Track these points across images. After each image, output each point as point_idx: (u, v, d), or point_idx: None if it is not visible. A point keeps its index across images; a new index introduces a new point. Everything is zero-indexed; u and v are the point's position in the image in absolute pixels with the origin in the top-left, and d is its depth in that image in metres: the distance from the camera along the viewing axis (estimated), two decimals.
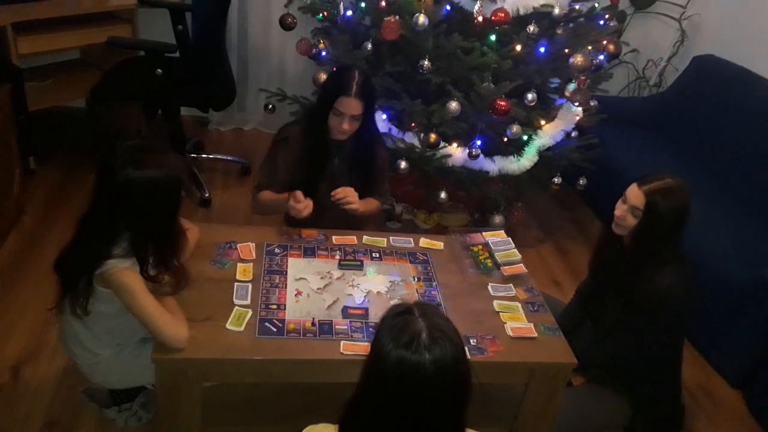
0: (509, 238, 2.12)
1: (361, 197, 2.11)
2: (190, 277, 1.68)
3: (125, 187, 1.47)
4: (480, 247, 2.08)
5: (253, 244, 1.92)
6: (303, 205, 1.96)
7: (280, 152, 2.16)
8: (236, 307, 1.67)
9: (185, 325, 1.56)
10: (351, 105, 1.99)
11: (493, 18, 2.46)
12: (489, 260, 2.02)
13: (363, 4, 2.87)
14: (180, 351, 1.52)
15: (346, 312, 1.73)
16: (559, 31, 2.72)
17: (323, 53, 2.83)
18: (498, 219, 2.96)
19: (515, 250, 2.06)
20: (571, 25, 2.83)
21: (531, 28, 2.55)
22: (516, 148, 2.81)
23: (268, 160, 2.19)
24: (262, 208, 2.20)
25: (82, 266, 1.53)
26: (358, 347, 1.60)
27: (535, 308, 1.87)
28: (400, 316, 1.08)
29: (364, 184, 2.18)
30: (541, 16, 2.60)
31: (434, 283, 1.91)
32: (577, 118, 2.91)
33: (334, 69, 2.23)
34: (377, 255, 2.00)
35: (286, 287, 1.78)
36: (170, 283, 1.63)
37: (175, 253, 1.61)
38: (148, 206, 1.51)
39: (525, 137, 2.79)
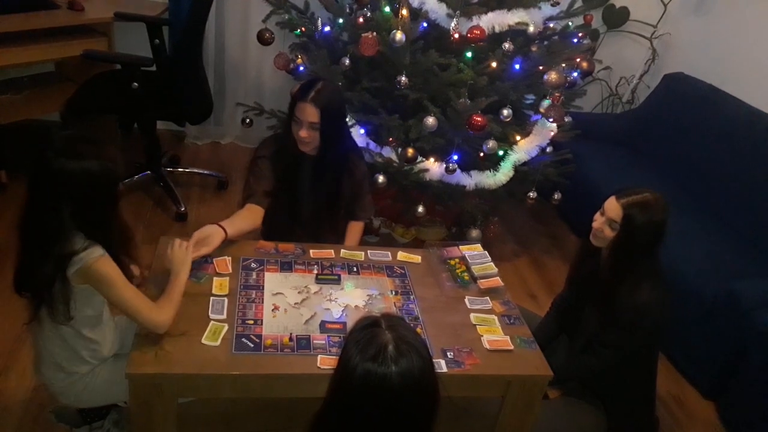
0: (486, 252, 2.13)
1: (342, 213, 2.19)
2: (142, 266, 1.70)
3: (60, 178, 1.42)
4: (457, 260, 2.10)
5: (230, 258, 1.91)
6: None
7: (260, 166, 2.13)
8: (212, 322, 1.66)
9: (169, 311, 1.57)
10: (306, 111, 1.97)
11: (469, 35, 2.50)
12: (466, 273, 2.04)
13: (341, 20, 2.89)
14: (162, 334, 1.55)
15: (323, 326, 1.72)
16: (533, 49, 2.77)
17: (301, 68, 2.85)
18: (475, 233, 2.99)
19: (492, 263, 2.07)
20: (545, 42, 2.88)
21: (506, 45, 2.60)
22: (492, 163, 2.84)
23: (250, 174, 2.15)
24: None
25: (51, 271, 1.47)
26: (336, 362, 1.59)
27: (512, 321, 1.88)
28: (367, 328, 1.08)
29: (343, 199, 2.18)
30: (516, 33, 2.65)
31: (412, 297, 1.92)
32: (552, 133, 2.95)
33: None
34: (355, 269, 2.00)
35: (262, 302, 1.77)
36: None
37: (121, 247, 1.57)
38: (87, 197, 1.46)
39: (501, 152, 2.83)
